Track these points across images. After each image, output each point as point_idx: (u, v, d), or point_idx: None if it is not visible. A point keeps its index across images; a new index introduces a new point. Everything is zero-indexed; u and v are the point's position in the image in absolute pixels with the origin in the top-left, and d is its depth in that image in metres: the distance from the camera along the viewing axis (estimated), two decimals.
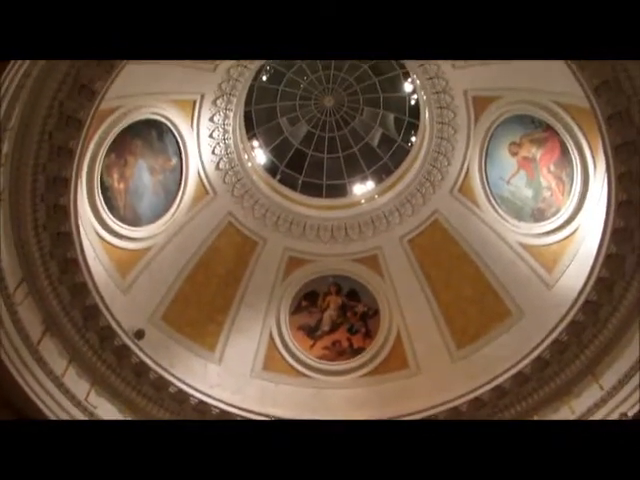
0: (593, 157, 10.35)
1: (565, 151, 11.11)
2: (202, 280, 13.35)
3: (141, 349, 10.80)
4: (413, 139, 15.48)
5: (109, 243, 11.44)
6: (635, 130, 7.91)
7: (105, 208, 11.27)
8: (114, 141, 11.08)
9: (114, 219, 11.48)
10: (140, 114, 11.51)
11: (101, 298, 10.07)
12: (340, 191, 16.08)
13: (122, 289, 11.71)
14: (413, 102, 15.33)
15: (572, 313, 9.99)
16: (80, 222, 9.64)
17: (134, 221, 12.00)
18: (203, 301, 13.28)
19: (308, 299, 14.43)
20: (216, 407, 11.43)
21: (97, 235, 11.17)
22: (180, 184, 13.01)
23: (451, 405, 11.24)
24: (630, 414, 8.85)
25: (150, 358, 10.91)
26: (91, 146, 10.35)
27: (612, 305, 9.52)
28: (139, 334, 11.06)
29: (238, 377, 12.82)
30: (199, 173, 13.48)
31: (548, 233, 11.68)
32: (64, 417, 9.00)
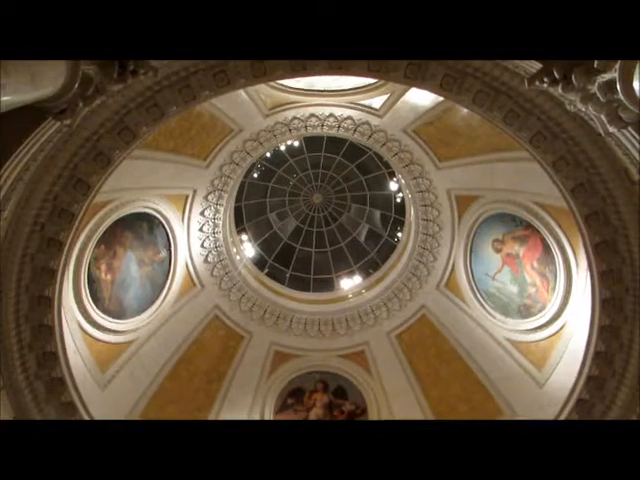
0: (575, 254, 10.62)
1: (547, 248, 11.41)
2: (185, 376, 12.94)
3: None
4: (399, 235, 15.89)
5: (91, 336, 11.18)
6: (612, 229, 8.20)
7: (90, 300, 11.15)
8: (104, 232, 11.21)
9: (98, 311, 11.32)
10: (132, 207, 11.75)
11: (78, 394, 9.66)
12: (327, 285, 16.18)
13: (101, 384, 11.26)
14: (399, 200, 15.89)
15: (565, 412, 9.73)
16: (63, 314, 9.48)
17: (118, 313, 11.83)
18: (185, 398, 12.78)
19: (294, 396, 13.97)
20: None
21: (79, 327, 10.93)
22: (168, 276, 13.01)
23: None
24: None
25: None
26: (81, 238, 10.44)
27: (605, 404, 9.32)
28: None
29: None
30: (187, 265, 13.55)
31: (535, 329, 11.67)
32: None
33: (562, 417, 9.93)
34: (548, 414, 10.34)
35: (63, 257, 8.48)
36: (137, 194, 11.81)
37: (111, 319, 11.58)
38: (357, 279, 16.01)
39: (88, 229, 10.63)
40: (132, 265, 12.14)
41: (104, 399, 11.11)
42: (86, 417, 9.82)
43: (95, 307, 11.25)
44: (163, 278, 12.94)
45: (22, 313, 8.44)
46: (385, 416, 13.41)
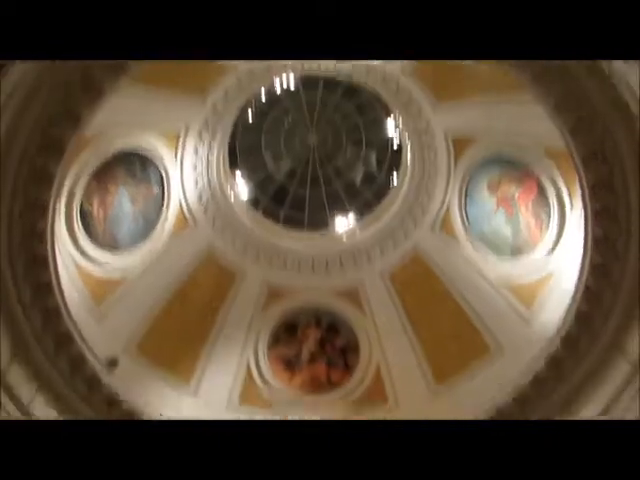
0: (570, 195, 10.64)
1: (542, 190, 11.42)
2: (179, 311, 13.10)
3: (114, 379, 10.47)
4: (395, 178, 15.74)
5: (85, 270, 11.27)
6: (609, 168, 8.17)
7: (83, 234, 11.15)
8: (96, 168, 11.06)
9: (92, 245, 11.34)
10: (124, 144, 11.55)
11: (74, 325, 9.81)
12: (322, 225, 16.17)
13: (96, 317, 11.45)
14: (396, 142, 15.66)
15: (553, 347, 10.02)
16: (57, 247, 9.49)
17: (112, 248, 11.86)
18: (180, 332, 12.99)
19: (287, 332, 14.25)
20: None
21: (73, 261, 11.01)
22: (161, 214, 12.94)
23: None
24: None
25: (123, 388, 10.57)
26: (72, 172, 10.30)
27: (592, 338, 9.58)
28: (112, 363, 10.74)
29: (213, 410, 12.46)
30: (180, 204, 13.44)
31: (527, 269, 11.84)
32: None
33: (549, 352, 10.23)
34: (535, 350, 10.64)
35: (54, 189, 8.37)
36: (129, 130, 11.58)
37: (105, 254, 11.62)
38: (351, 219, 16.01)
39: (79, 163, 10.48)
40: (125, 201, 12.05)
41: (101, 332, 11.31)
42: (84, 349, 10.01)
43: (88, 241, 11.27)
44: (156, 215, 12.88)
45: (15, 243, 8.43)
46: (376, 353, 13.75)
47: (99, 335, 11.07)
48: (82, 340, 10.01)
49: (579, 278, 9.61)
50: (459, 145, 12.70)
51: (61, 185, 9.02)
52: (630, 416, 8.76)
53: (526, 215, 11.95)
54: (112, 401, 10.45)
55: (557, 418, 9.80)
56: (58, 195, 8.94)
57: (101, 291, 11.66)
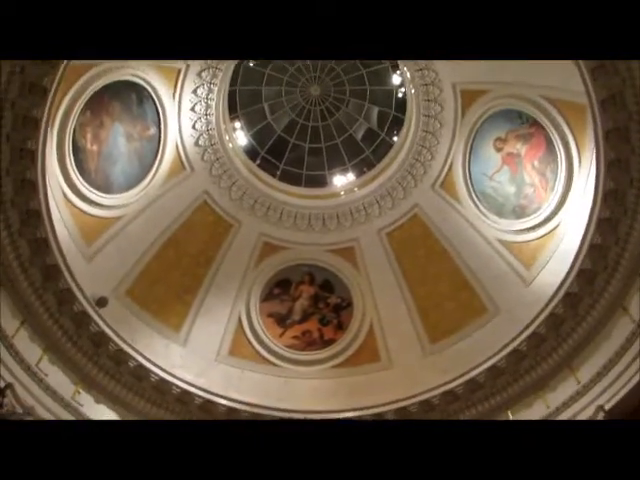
0: (579, 151, 10.34)
1: (550, 147, 11.09)
2: (172, 258, 12.78)
3: (102, 318, 10.16)
4: (395, 138, 15.34)
5: (75, 206, 10.82)
6: (627, 115, 7.87)
7: (75, 170, 10.67)
8: (91, 98, 10.54)
9: (84, 182, 10.88)
10: (121, 74, 11.01)
11: (63, 258, 9.43)
12: (320, 181, 15.79)
13: (86, 256, 11.06)
14: (400, 95, 15.20)
15: (552, 305, 9.85)
16: (47, 177, 9.05)
17: (105, 187, 11.40)
18: (171, 279, 12.69)
19: (280, 287, 13.99)
20: (178, 387, 10.83)
21: (64, 197, 10.55)
22: (157, 155, 12.48)
23: (423, 398, 10.92)
24: (607, 407, 8.68)
25: (111, 329, 10.27)
26: (66, 99, 9.81)
27: (593, 298, 9.42)
28: (101, 302, 10.41)
29: (202, 360, 12.23)
30: (177, 147, 12.99)
31: (528, 230, 11.59)
32: (9, 380, 8.27)
33: (547, 312, 10.05)
34: (532, 311, 10.46)
35: (47, 105, 7.90)
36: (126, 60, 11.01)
37: (97, 192, 11.16)
38: (350, 177, 15.61)
39: (73, 91, 9.97)
40: (120, 138, 11.56)
41: (90, 271, 10.92)
42: (72, 284, 9.65)
43: (81, 178, 10.80)
44: (152, 157, 12.42)
45: (3, 165, 8.00)
46: (370, 312, 13.55)
47: (88, 274, 10.68)
48: (71, 276, 9.64)
49: (584, 235, 9.38)
50: (468, 97, 12.31)
51: (54, 104, 8.49)
52: (628, 375, 8.67)
53: (531, 174, 11.65)
54: (99, 341, 10.16)
55: (554, 378, 9.71)
56: (51, 116, 8.45)
57: (91, 230, 11.25)
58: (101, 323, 10.06)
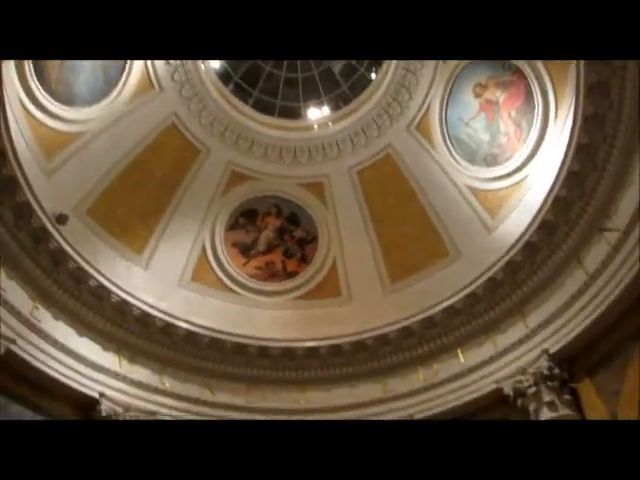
0: (556, 104, 10.34)
1: (529, 97, 11.05)
2: (136, 179, 12.38)
3: (62, 235, 9.88)
4: (374, 74, 14.93)
5: (35, 117, 10.21)
6: (611, 70, 7.87)
7: (34, 77, 9.97)
8: None
9: (43, 92, 10.20)
10: None
11: (21, 171, 9.01)
12: (294, 113, 15.35)
13: (45, 171, 10.60)
14: None
15: (511, 253, 10.17)
16: (4, 86, 8.45)
17: (66, 99, 10.73)
18: (135, 201, 12.37)
19: (246, 217, 13.90)
20: (138, 309, 10.83)
21: (22, 106, 9.92)
22: (124, 70, 11.76)
23: (379, 332, 11.31)
24: (551, 351, 9.22)
25: (71, 247, 10.02)
26: None
27: (551, 249, 9.75)
28: (61, 219, 10.08)
29: (164, 284, 12.20)
30: (145, 63, 12.28)
31: (497, 179, 11.75)
32: None
33: (505, 259, 10.38)
34: (492, 257, 10.79)
35: None
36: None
37: (58, 104, 10.51)
38: (325, 110, 15.23)
39: None
40: None
41: (49, 188, 10.51)
42: (31, 198, 9.28)
43: (41, 88, 10.13)
44: (118, 71, 11.68)
45: None
46: (334, 247, 13.69)
47: (47, 190, 10.27)
48: (29, 189, 9.25)
49: (551, 187, 9.57)
50: None
51: None
52: (574, 324, 9.16)
53: (507, 122, 11.66)
54: (59, 259, 9.93)
55: (506, 322, 10.17)
56: None
57: (52, 144, 10.72)
58: (61, 240, 9.79)
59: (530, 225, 9.96)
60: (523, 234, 10.09)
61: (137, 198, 12.40)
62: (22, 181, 9.02)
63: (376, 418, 10.48)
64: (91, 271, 10.27)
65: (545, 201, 9.63)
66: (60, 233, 9.85)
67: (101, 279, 10.42)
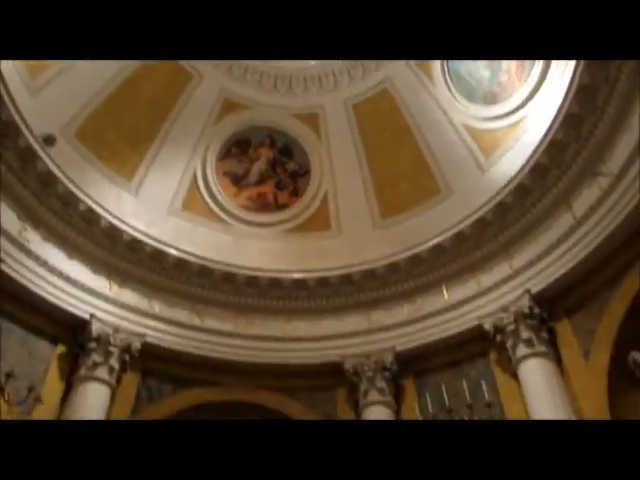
0: None
1: None
2: (126, 101, 12.04)
3: (50, 157, 9.72)
4: None
5: None
6: None
7: None
8: None
9: None
10: None
11: (5, 87, 8.72)
12: None
13: (31, 90, 10.29)
14: None
15: (502, 194, 10.18)
16: None
17: None
18: (125, 125, 12.11)
19: (239, 147, 13.67)
20: (128, 234, 10.84)
21: None
22: None
23: (367, 267, 11.48)
24: (533, 291, 9.45)
25: (59, 169, 9.89)
26: None
27: (541, 191, 9.77)
28: (49, 141, 9.90)
29: (154, 211, 12.17)
30: None
31: (495, 118, 11.54)
32: None
33: (496, 200, 10.39)
34: (483, 198, 10.79)
35: None
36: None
37: None
38: None
39: None
40: None
41: (35, 108, 10.23)
42: (16, 116, 9.03)
43: None
44: None
45: None
46: (327, 181, 13.60)
47: (33, 110, 9.99)
48: (15, 108, 8.99)
49: (548, 129, 9.45)
50: None
51: None
52: (557, 266, 9.33)
53: (510, 61, 11.33)
54: (47, 181, 9.82)
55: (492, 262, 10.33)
56: None
57: (37, 61, 10.30)
58: (49, 162, 9.64)
59: (523, 167, 9.90)
60: (515, 176, 10.06)
61: (127, 121, 12.12)
62: (6, 98, 8.76)
63: (360, 349, 10.82)
64: (80, 195, 10.19)
65: (540, 143, 9.53)
66: (48, 155, 9.69)
67: (90, 203, 10.36)
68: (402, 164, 13.04)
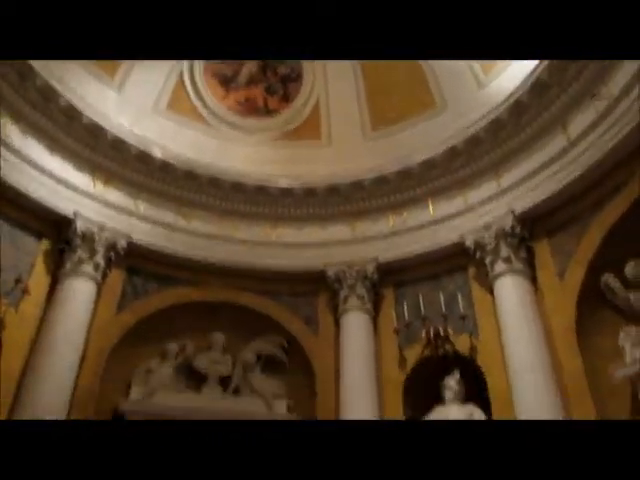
0: None
1: None
2: None
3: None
4: None
5: None
6: None
7: None
8: None
9: None
10: None
11: None
12: None
13: None
14: None
15: (498, 111, 9.98)
16: None
17: None
18: None
19: None
20: (111, 133, 10.52)
21: None
22: None
23: (355, 178, 11.43)
24: (517, 212, 9.56)
25: (38, 63, 9.35)
26: None
27: (538, 110, 9.58)
28: None
29: (138, 110, 11.74)
30: None
31: None
32: None
33: (491, 117, 10.19)
34: (478, 113, 10.57)
35: None
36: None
37: None
38: None
39: None
40: None
41: None
42: None
43: None
44: None
45: None
46: (319, 88, 13.12)
47: None
48: None
49: None
50: None
51: None
52: (543, 187, 9.36)
53: None
54: (26, 75, 9.33)
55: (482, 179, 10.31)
56: None
57: None
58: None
59: (522, 84, 9.63)
60: (513, 93, 9.81)
61: None
62: None
63: (343, 257, 11.02)
64: (60, 89, 9.74)
65: (542, 60, 9.19)
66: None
67: (71, 98, 9.93)
68: (398, 74, 12.50)
